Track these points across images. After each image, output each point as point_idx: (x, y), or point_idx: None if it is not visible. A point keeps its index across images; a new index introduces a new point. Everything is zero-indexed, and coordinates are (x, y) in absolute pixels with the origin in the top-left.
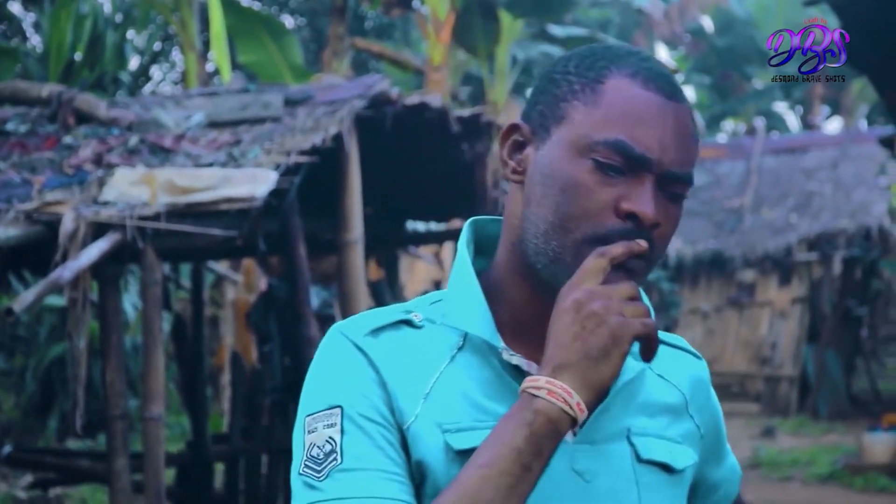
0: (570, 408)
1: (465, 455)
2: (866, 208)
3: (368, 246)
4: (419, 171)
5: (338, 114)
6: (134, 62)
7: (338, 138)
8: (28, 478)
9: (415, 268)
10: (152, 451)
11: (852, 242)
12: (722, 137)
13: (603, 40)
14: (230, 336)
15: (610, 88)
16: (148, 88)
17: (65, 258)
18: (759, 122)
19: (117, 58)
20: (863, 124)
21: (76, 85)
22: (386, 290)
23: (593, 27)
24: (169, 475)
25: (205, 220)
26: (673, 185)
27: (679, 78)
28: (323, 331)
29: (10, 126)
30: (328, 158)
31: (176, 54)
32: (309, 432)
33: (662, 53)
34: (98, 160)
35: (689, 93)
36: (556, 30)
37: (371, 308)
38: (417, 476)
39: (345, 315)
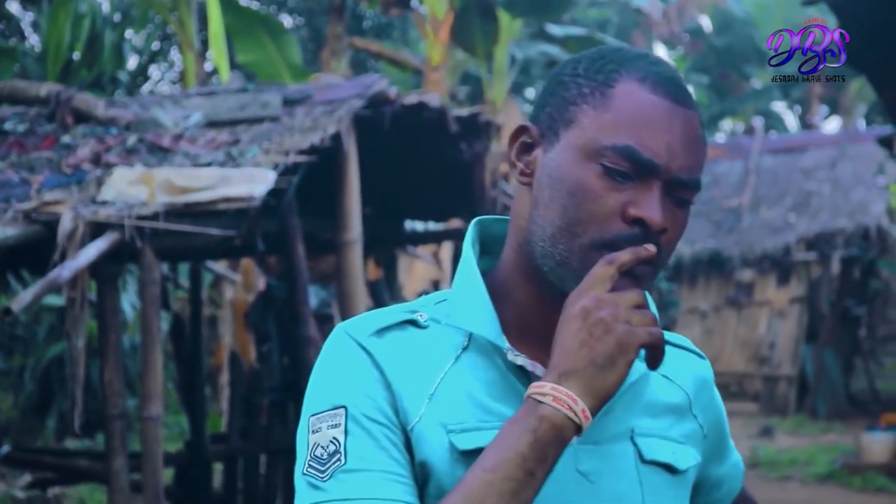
0: (575, 415)
1: (469, 455)
2: (865, 208)
3: (367, 245)
4: (417, 170)
5: (336, 113)
6: (132, 62)
7: (336, 138)
8: (26, 477)
9: (413, 267)
10: (151, 451)
11: (851, 242)
12: (720, 137)
13: (601, 40)
14: (229, 336)
15: (619, 93)
16: (146, 88)
17: (63, 258)
18: (758, 122)
19: (115, 57)
20: (861, 124)
21: (74, 84)
22: (384, 290)
23: (592, 27)
24: (167, 475)
25: (203, 219)
26: (680, 191)
27: None
28: (321, 330)
29: (8, 125)
30: (327, 158)
31: (174, 54)
32: (313, 432)
33: (661, 53)
34: (96, 160)
35: None
36: (554, 29)
37: (369, 308)
38: (421, 476)
39: (343, 315)
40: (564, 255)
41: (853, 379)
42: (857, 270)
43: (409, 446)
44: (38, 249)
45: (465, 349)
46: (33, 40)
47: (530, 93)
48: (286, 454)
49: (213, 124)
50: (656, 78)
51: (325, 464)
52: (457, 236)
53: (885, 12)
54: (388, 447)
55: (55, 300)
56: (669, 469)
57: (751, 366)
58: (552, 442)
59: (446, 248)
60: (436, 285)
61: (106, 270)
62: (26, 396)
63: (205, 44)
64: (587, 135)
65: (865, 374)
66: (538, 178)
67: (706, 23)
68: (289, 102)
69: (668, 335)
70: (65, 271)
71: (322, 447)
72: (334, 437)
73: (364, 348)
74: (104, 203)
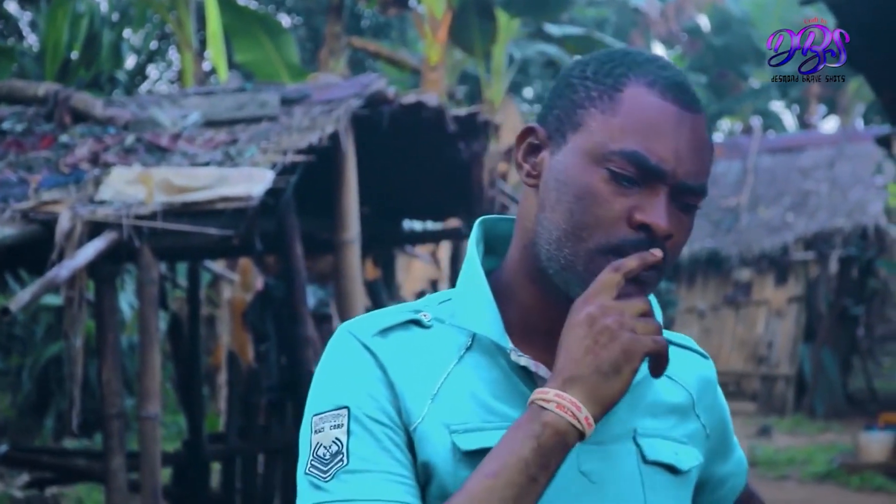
0: (579, 422)
1: (471, 456)
2: (863, 207)
3: (365, 245)
4: (416, 170)
5: (334, 113)
6: (130, 61)
7: (334, 137)
8: (24, 477)
9: (411, 267)
10: (149, 451)
11: (849, 241)
12: (718, 136)
13: (600, 39)
14: (227, 335)
15: (627, 97)
16: (144, 87)
17: (61, 257)
18: (756, 122)
19: (114, 57)
20: (859, 123)
21: (72, 84)
22: (382, 290)
23: (590, 26)
24: (165, 474)
25: (201, 219)
26: (686, 196)
27: None
28: (319, 330)
29: (6, 125)
30: (325, 157)
31: (172, 53)
32: (316, 432)
33: (659, 52)
34: (94, 159)
35: None
36: (552, 29)
37: (367, 307)
38: (423, 477)
39: (342, 314)
40: (569, 258)
41: (851, 378)
42: (856, 270)
43: (411, 447)
44: (36, 249)
45: (468, 349)
46: (31, 40)
47: (528, 92)
48: (284, 454)
49: (211, 124)
50: (665, 83)
51: (328, 464)
52: (455, 236)
53: (884, 12)
54: (390, 448)
55: (53, 300)
56: (671, 469)
57: (749, 365)
58: (555, 448)
59: (444, 248)
60: (434, 285)
61: (104, 270)
62: (24, 396)
63: (203, 43)
64: (595, 139)
65: (863, 374)
66: (545, 181)
67: (704, 22)
68: (287, 102)
69: (671, 335)
70: (63, 271)
71: (325, 447)
72: (337, 438)
73: (367, 348)
74: (102, 202)
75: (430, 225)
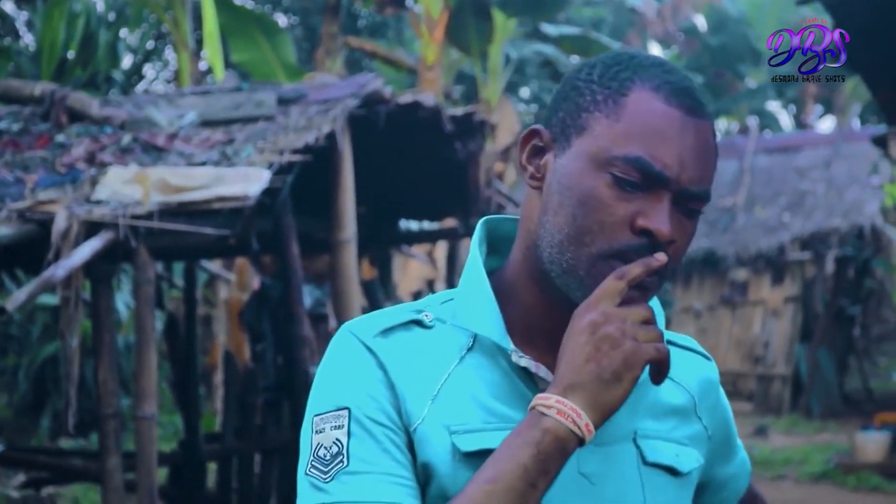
0: (579, 428)
1: (471, 457)
2: (859, 207)
3: (361, 245)
4: (412, 169)
5: (331, 112)
6: (127, 61)
7: (331, 137)
8: (20, 477)
9: (408, 267)
10: (145, 451)
11: (845, 241)
12: None
13: (596, 39)
14: (223, 335)
15: (632, 102)
16: (141, 87)
17: (57, 257)
18: (752, 121)
19: (110, 56)
20: (856, 123)
21: (69, 83)
22: (379, 290)
23: (586, 26)
24: (161, 474)
25: (198, 218)
26: (690, 202)
27: None
28: (316, 330)
29: (2, 125)
30: (321, 157)
31: (169, 53)
32: (316, 432)
33: (655, 52)
34: (91, 159)
35: None
36: (549, 28)
37: (364, 307)
38: (423, 478)
39: (338, 314)
40: (571, 262)
41: (847, 378)
42: (852, 270)
43: (411, 447)
44: (32, 249)
45: (469, 350)
46: (28, 39)
47: (525, 92)
48: (281, 453)
49: (207, 123)
50: (670, 88)
51: (328, 465)
52: (451, 236)
53: (880, 12)
54: (390, 449)
55: (49, 299)
56: (671, 471)
57: (745, 365)
58: (555, 455)
59: (441, 248)
60: (430, 284)
61: (100, 270)
62: (20, 396)
63: (199, 43)
64: (598, 143)
65: (860, 374)
66: (548, 184)
67: (701, 22)
68: (283, 101)
69: (674, 336)
70: (59, 270)
71: (325, 448)
72: (337, 439)
73: (369, 349)
74: (98, 202)
75: (427, 225)
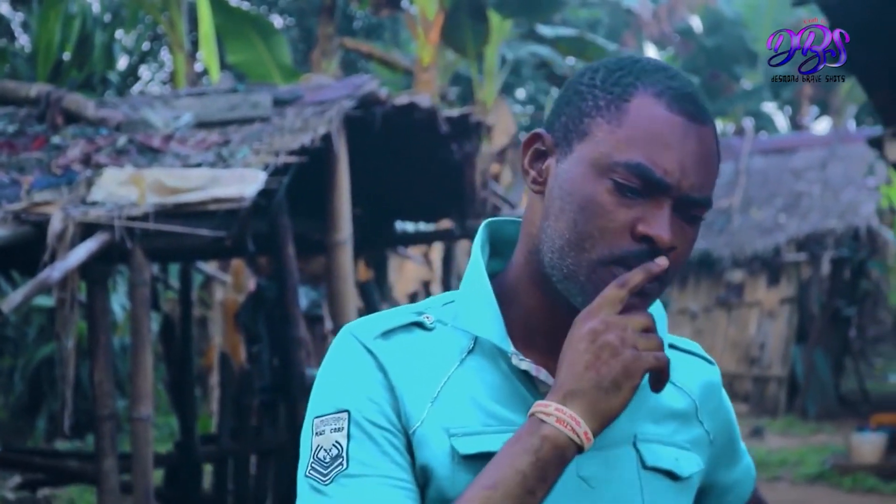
0: (577, 436)
1: (470, 460)
2: (855, 209)
3: (357, 246)
4: (408, 171)
5: (327, 114)
6: (122, 62)
7: (327, 138)
8: (16, 479)
9: (404, 268)
10: (140, 452)
11: (841, 243)
12: None
13: (592, 41)
14: (219, 336)
15: (634, 108)
16: (136, 88)
17: (53, 258)
18: (748, 123)
19: (106, 58)
20: (851, 125)
21: (65, 85)
22: (375, 291)
23: (582, 27)
24: (157, 476)
25: (193, 220)
26: (691, 208)
27: None
28: (311, 331)
29: None
30: (317, 159)
31: (164, 54)
32: (317, 434)
33: (651, 53)
34: (86, 160)
35: None
36: (544, 30)
37: (360, 308)
38: (422, 480)
39: (334, 315)
40: (572, 268)
41: (843, 379)
42: (848, 271)
43: (411, 450)
44: (27, 250)
45: (470, 352)
46: (23, 41)
47: (521, 93)
48: (276, 455)
49: (203, 125)
50: (672, 93)
51: (328, 467)
52: (447, 237)
53: (875, 13)
54: (390, 452)
55: (45, 301)
56: (671, 475)
57: (741, 366)
58: (553, 462)
59: (437, 249)
60: (426, 286)
61: (96, 271)
62: (16, 397)
63: (195, 44)
64: (600, 149)
65: (855, 375)
66: (550, 188)
67: (696, 23)
68: (279, 103)
69: (676, 340)
70: (55, 272)
71: (325, 450)
72: (337, 441)
73: (369, 351)
74: (94, 204)
75: (423, 226)
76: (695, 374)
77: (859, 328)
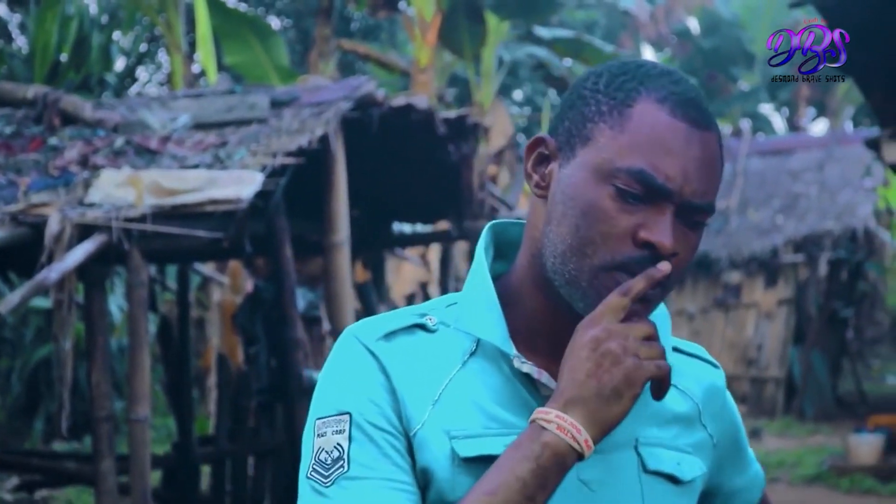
0: (578, 444)
1: (470, 463)
2: (852, 210)
3: (355, 247)
4: (405, 172)
5: (324, 115)
6: (120, 63)
7: (324, 140)
8: (14, 480)
9: (401, 269)
10: (138, 453)
11: (838, 244)
12: None
13: (589, 42)
14: (216, 338)
15: (637, 113)
16: (134, 90)
17: (50, 260)
18: (745, 124)
19: (103, 59)
20: (848, 126)
21: (62, 86)
22: (372, 292)
23: (579, 29)
24: (155, 477)
25: (191, 221)
26: (693, 214)
27: None
28: (309, 333)
29: None
30: (314, 160)
31: (162, 56)
32: (318, 436)
33: (648, 55)
34: (84, 162)
35: None
36: (542, 31)
37: (357, 309)
38: (422, 482)
39: (331, 317)
40: (574, 274)
41: (841, 381)
42: (845, 272)
43: (412, 452)
44: (25, 251)
45: (472, 354)
46: (20, 42)
47: (518, 95)
48: (274, 456)
49: (200, 126)
50: (676, 99)
51: (329, 469)
52: (444, 238)
53: (873, 14)
54: (391, 454)
55: (42, 302)
56: (672, 479)
57: (738, 368)
58: (553, 469)
59: (434, 250)
60: (424, 287)
61: (93, 272)
62: (13, 399)
63: (192, 46)
64: (602, 155)
65: (853, 376)
66: (552, 193)
67: (693, 24)
68: (276, 104)
69: (681, 343)
70: (52, 273)
71: (326, 452)
72: (338, 443)
73: (371, 352)
74: (91, 205)
75: (420, 227)
76: (698, 377)
77: (857, 329)
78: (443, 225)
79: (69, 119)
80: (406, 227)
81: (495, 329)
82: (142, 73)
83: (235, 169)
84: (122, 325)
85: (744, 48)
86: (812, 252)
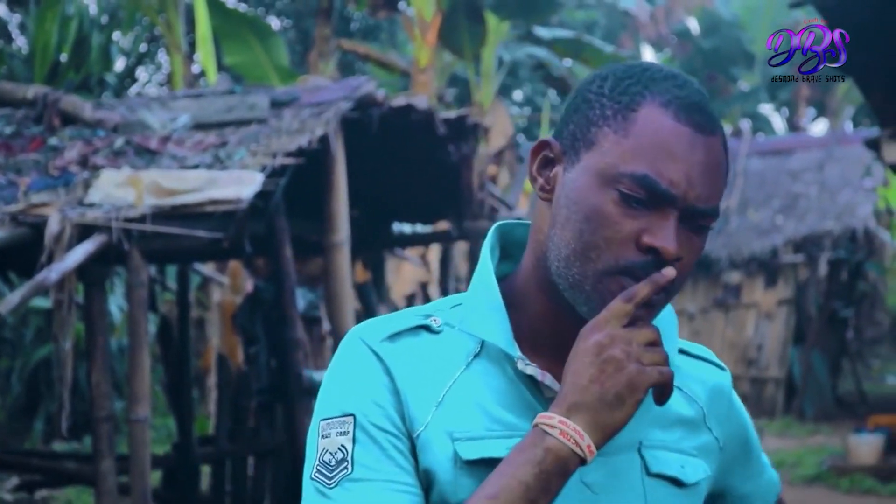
0: (581, 449)
1: (472, 465)
2: (852, 210)
3: (354, 248)
4: (405, 172)
5: (324, 115)
6: (120, 63)
7: (324, 140)
8: (14, 480)
9: (401, 269)
10: (138, 454)
11: (838, 244)
12: None
13: (589, 42)
14: (216, 338)
15: (641, 118)
16: (134, 90)
17: (50, 260)
18: (745, 124)
19: (103, 59)
20: (848, 126)
21: (62, 86)
22: (372, 292)
23: (579, 29)
24: (155, 477)
25: (191, 221)
26: (698, 219)
27: None
28: (309, 333)
29: None
30: (314, 160)
31: (162, 56)
32: (322, 437)
33: (648, 55)
34: (83, 162)
35: None
36: (541, 31)
37: (357, 310)
38: (424, 484)
39: (331, 317)
40: (577, 278)
41: (841, 381)
42: (845, 273)
43: (415, 453)
44: (25, 252)
45: (476, 356)
46: (20, 42)
47: (518, 95)
48: (274, 456)
49: (200, 126)
50: (680, 103)
51: (333, 471)
52: (444, 238)
53: (873, 14)
54: (395, 456)
55: (42, 302)
56: (676, 482)
57: (738, 368)
58: (556, 474)
59: (434, 251)
60: (424, 287)
61: (93, 273)
62: (13, 399)
63: (192, 46)
64: (606, 160)
65: (853, 376)
66: (557, 197)
67: (693, 25)
68: (276, 104)
69: (688, 345)
70: (52, 273)
71: (330, 453)
72: (342, 445)
73: (376, 354)
74: (91, 205)
75: (420, 227)
76: (704, 380)
77: (856, 330)
78: (443, 225)
79: (69, 119)
80: (406, 227)
81: (499, 331)
82: (142, 73)
83: (235, 169)
84: (122, 325)
85: (744, 48)
86: (812, 252)
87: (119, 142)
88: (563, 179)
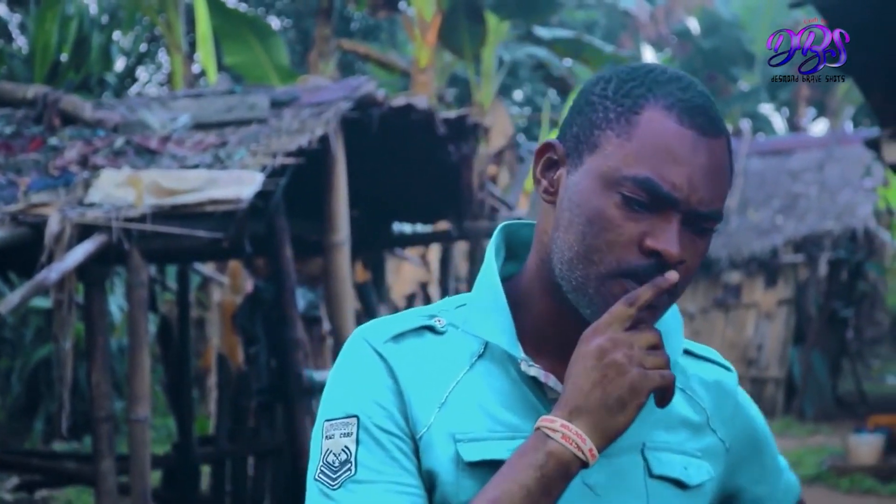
0: (583, 453)
1: (474, 467)
2: (852, 210)
3: (355, 248)
4: (405, 172)
5: (324, 115)
6: (120, 63)
7: (324, 140)
8: (14, 480)
9: (401, 269)
10: (138, 454)
11: (838, 244)
12: None
13: (589, 42)
14: (216, 338)
15: (644, 121)
16: (134, 90)
17: (50, 260)
18: (745, 124)
19: (103, 59)
20: (848, 126)
21: (62, 86)
22: (372, 292)
23: (579, 29)
24: (155, 477)
25: (191, 221)
26: (701, 222)
27: None
28: (309, 333)
29: None
30: (314, 160)
31: (162, 56)
32: (326, 438)
33: (648, 55)
34: (83, 162)
35: None
36: (542, 31)
37: (357, 310)
38: (427, 484)
39: (331, 317)
40: (580, 280)
41: (840, 381)
42: (845, 273)
43: (418, 454)
44: (25, 251)
45: (480, 357)
46: (20, 42)
47: (518, 95)
48: (274, 456)
49: (200, 126)
50: (683, 106)
51: (336, 472)
52: (444, 238)
53: (873, 14)
54: (398, 457)
55: (42, 302)
56: (679, 484)
57: (738, 368)
58: (558, 477)
59: (434, 251)
60: (424, 287)
61: (93, 272)
62: (13, 399)
63: (192, 46)
64: (609, 163)
65: (853, 376)
66: (560, 199)
67: (693, 25)
68: (276, 104)
69: (693, 346)
70: (52, 273)
71: (334, 454)
72: (346, 446)
73: (380, 355)
74: (91, 205)
75: (420, 227)
76: (708, 381)
77: (856, 330)
78: (443, 225)
79: (69, 119)
80: (406, 227)
81: (503, 332)
82: (142, 73)
83: (235, 169)
84: (122, 325)
85: (744, 48)
86: (812, 252)
87: (119, 142)
88: (566, 182)
